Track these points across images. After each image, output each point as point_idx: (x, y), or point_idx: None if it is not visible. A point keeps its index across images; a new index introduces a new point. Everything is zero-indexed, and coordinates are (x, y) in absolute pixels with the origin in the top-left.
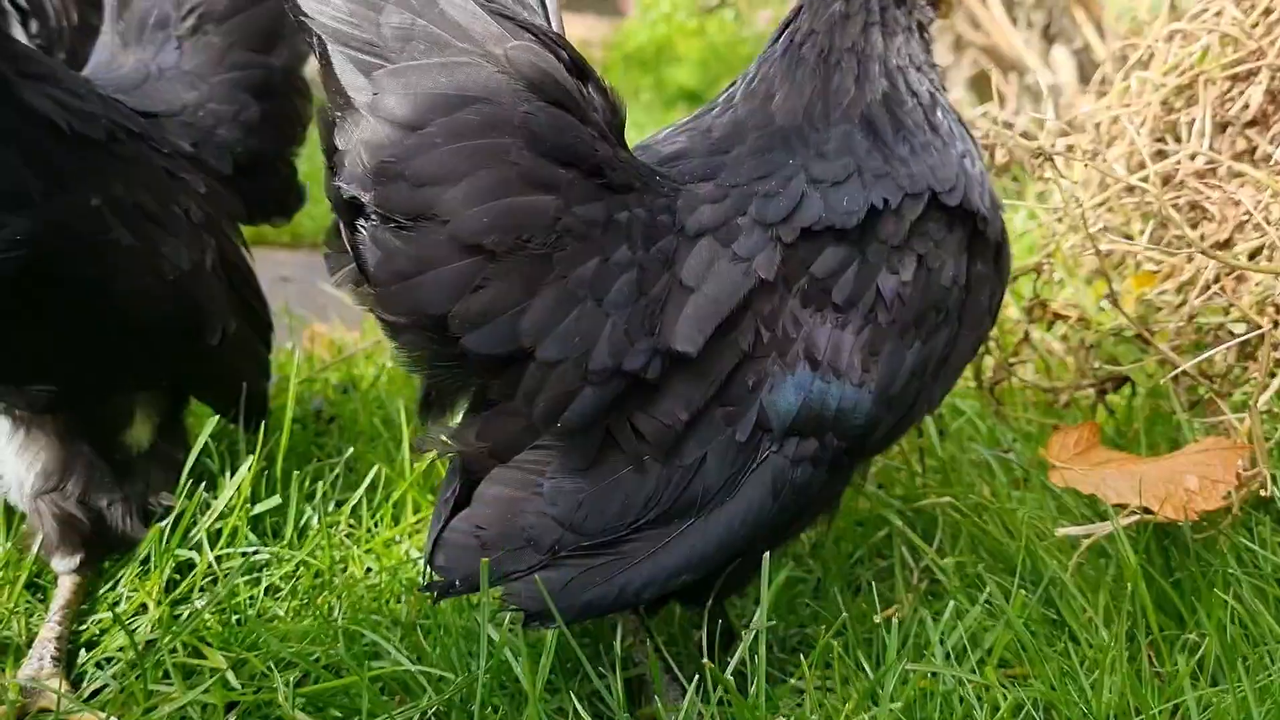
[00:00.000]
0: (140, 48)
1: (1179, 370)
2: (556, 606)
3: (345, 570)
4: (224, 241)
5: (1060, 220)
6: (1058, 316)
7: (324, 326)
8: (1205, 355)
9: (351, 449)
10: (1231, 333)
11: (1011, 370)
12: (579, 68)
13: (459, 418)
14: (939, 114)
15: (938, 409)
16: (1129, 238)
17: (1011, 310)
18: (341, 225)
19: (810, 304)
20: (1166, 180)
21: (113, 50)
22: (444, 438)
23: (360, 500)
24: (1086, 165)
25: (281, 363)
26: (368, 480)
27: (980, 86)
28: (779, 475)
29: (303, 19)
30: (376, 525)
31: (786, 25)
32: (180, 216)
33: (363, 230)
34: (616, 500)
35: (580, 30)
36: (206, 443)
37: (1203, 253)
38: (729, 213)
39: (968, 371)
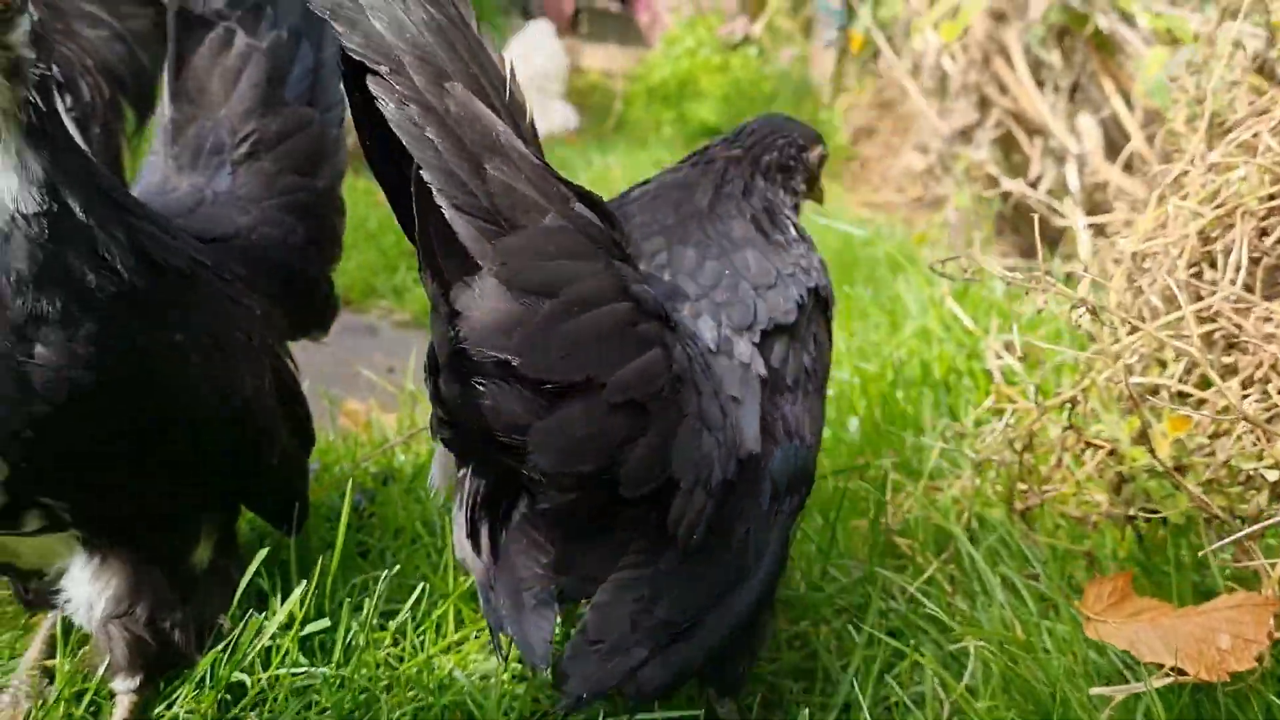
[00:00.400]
0: (195, 172)
1: (1227, 542)
2: (655, 684)
3: (390, 691)
4: (277, 362)
5: (1096, 355)
6: (1090, 445)
7: (359, 404)
8: (1250, 532)
9: (399, 566)
10: (1264, 478)
11: (1045, 498)
12: (607, 216)
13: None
14: (795, 229)
15: None
16: (1162, 364)
17: (1046, 423)
18: (449, 382)
19: (778, 389)
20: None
21: (165, 173)
22: (541, 572)
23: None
24: (1126, 323)
25: (321, 450)
26: (414, 597)
27: (1004, 147)
28: (783, 528)
29: (429, 185)
30: (421, 640)
31: (698, 152)
32: (244, 343)
33: (490, 388)
34: (701, 589)
35: (602, 60)
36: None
37: (1246, 419)
38: (714, 325)
39: (1000, 487)
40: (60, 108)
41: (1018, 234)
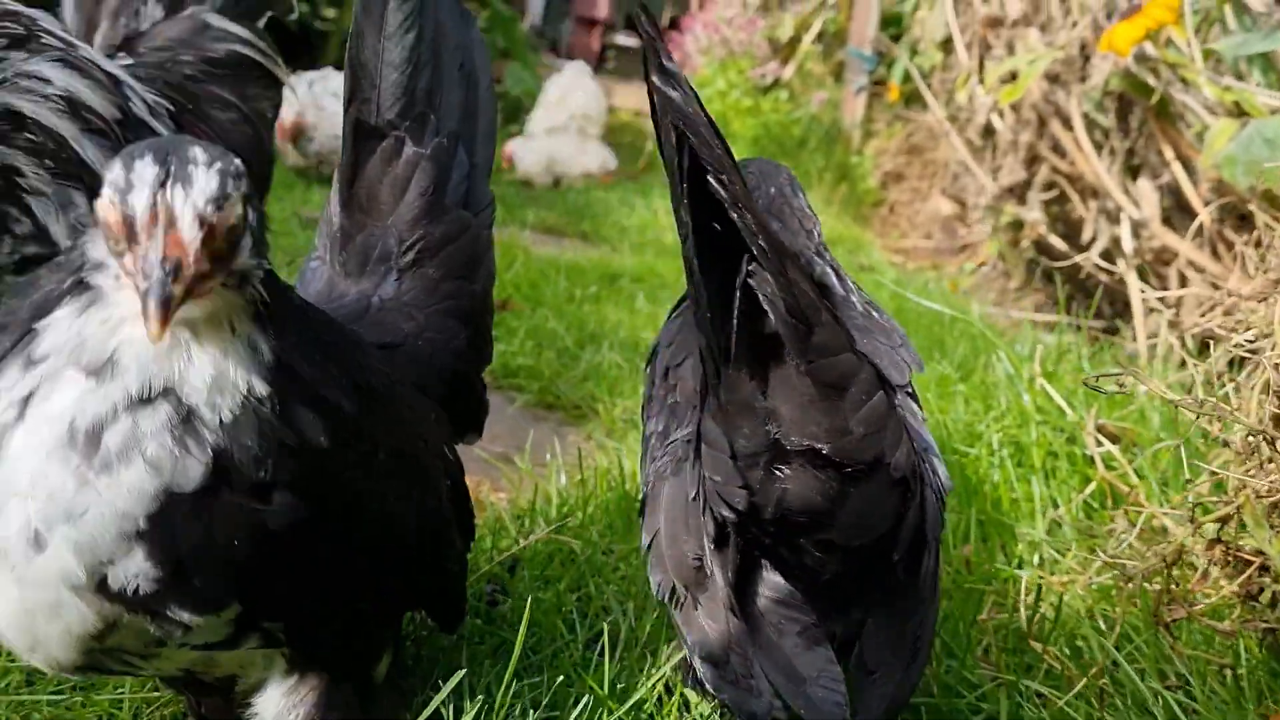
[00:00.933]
0: (363, 279)
1: None
2: (903, 702)
3: None
4: (450, 465)
5: (1253, 474)
6: (1238, 558)
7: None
8: None
9: (561, 675)
10: None
11: (1191, 611)
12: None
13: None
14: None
15: None
16: None
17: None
18: (750, 469)
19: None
20: None
21: (331, 279)
22: (811, 635)
23: None
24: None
25: None
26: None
27: (1052, 208)
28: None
29: (757, 289)
30: None
31: None
32: (427, 453)
33: (792, 474)
34: (921, 614)
35: (632, 100)
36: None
37: None
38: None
39: (1131, 585)
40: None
41: (1050, 283)
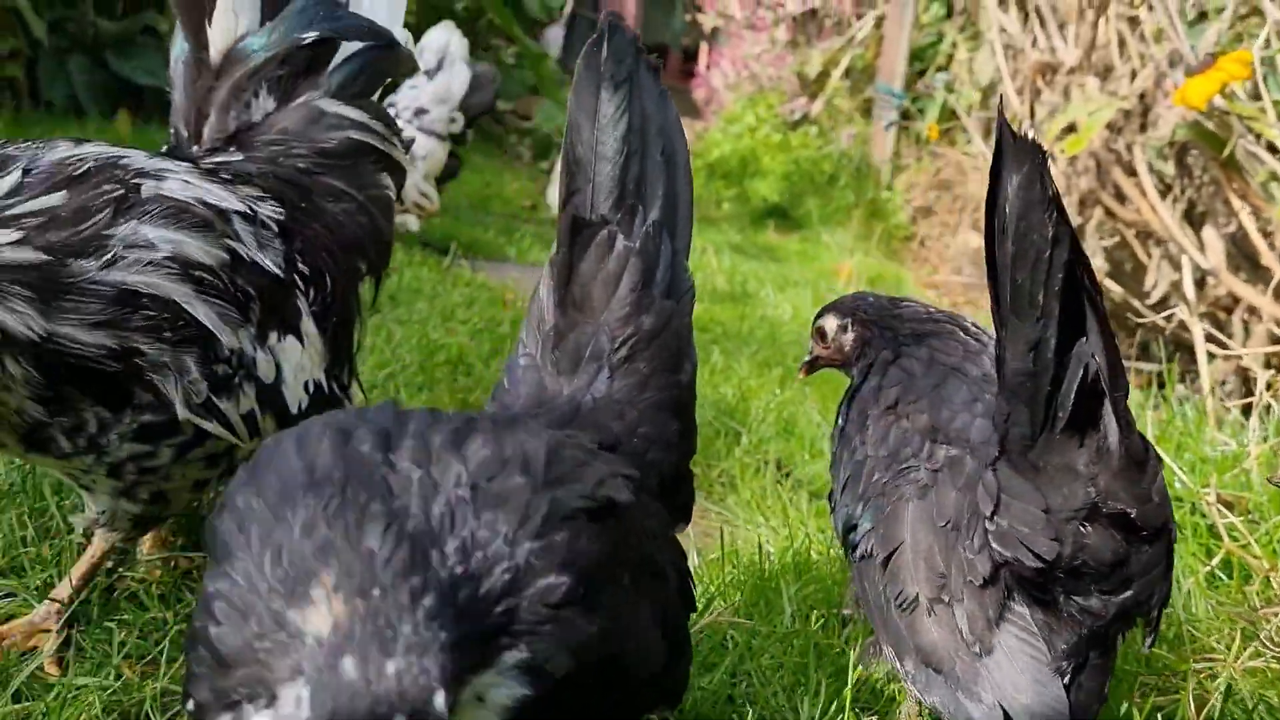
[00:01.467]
0: (575, 378)
1: None
2: None
3: None
4: (676, 555)
5: None
6: None
7: None
8: None
9: None
10: None
11: None
12: None
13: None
14: None
15: None
16: None
17: None
18: (1061, 524)
19: None
20: None
21: (541, 378)
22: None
23: None
24: None
25: None
26: None
27: (1111, 253)
28: None
29: (1095, 369)
30: None
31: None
32: (662, 554)
33: (1093, 531)
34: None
35: None
36: None
37: None
38: None
39: None
40: (304, 307)
41: None
